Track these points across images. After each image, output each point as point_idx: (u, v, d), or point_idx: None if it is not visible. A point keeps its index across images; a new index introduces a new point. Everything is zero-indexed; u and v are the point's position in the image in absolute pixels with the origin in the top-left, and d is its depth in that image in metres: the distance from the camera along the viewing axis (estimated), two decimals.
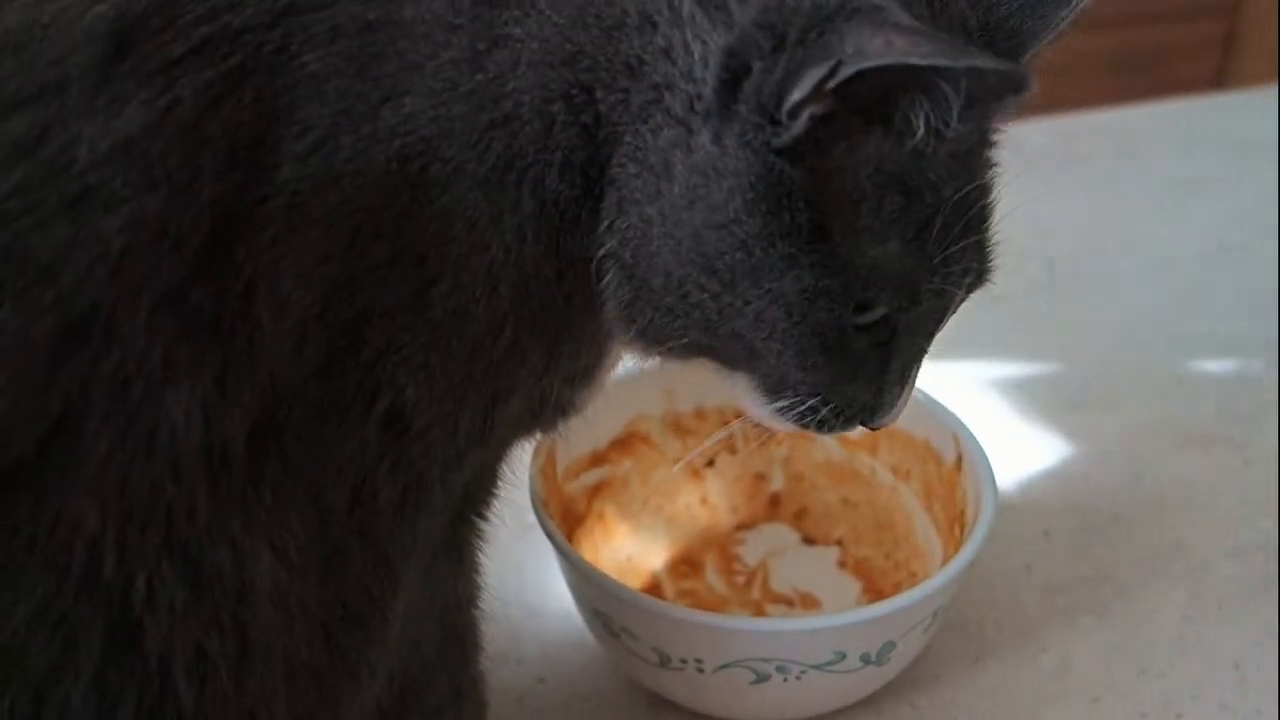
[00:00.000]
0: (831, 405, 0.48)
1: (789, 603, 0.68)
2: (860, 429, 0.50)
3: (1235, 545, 0.72)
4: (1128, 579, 0.70)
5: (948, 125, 0.41)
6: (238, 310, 0.39)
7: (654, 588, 0.68)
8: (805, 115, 0.41)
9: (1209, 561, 0.71)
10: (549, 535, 0.59)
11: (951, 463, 0.65)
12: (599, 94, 0.43)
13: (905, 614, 0.56)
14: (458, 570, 0.52)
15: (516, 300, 0.44)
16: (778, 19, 0.41)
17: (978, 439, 0.64)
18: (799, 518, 0.72)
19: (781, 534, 0.72)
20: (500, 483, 0.52)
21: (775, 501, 0.73)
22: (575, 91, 0.43)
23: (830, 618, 0.62)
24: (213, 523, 0.39)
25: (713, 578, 0.70)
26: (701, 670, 0.56)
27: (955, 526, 0.64)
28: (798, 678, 0.56)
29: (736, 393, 0.49)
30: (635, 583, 0.68)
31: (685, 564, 0.70)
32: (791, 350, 0.45)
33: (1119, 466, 0.79)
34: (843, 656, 0.55)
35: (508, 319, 0.44)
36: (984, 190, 0.47)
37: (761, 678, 0.56)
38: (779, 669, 0.55)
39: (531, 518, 0.60)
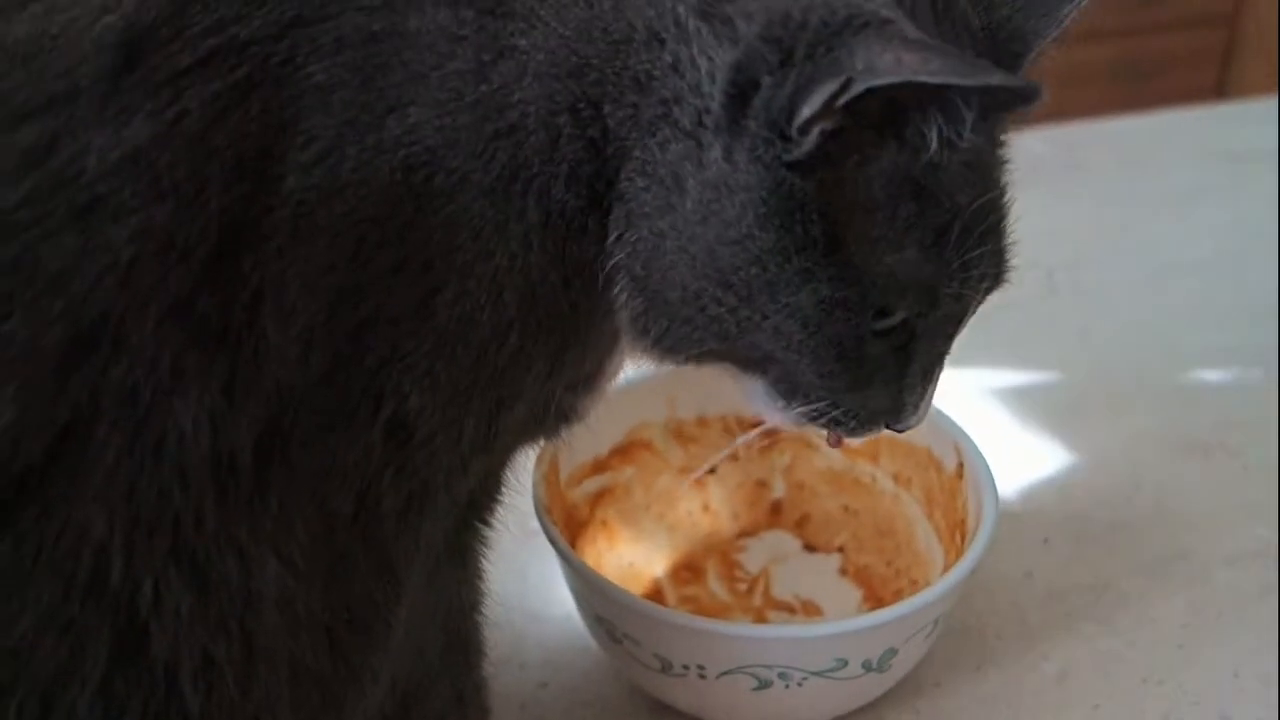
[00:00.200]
0: (849, 410, 0.48)
1: (790, 610, 0.69)
2: (884, 431, 0.51)
3: (1235, 553, 0.73)
4: (1128, 586, 0.70)
5: (960, 136, 0.41)
6: (244, 319, 0.39)
7: (656, 594, 0.69)
8: (816, 131, 0.41)
9: (1209, 569, 0.72)
10: (552, 542, 0.59)
11: (953, 470, 0.65)
12: (606, 108, 0.43)
13: (906, 621, 0.56)
14: (461, 576, 0.52)
15: (522, 307, 0.44)
16: (784, 33, 0.41)
17: (979, 447, 0.64)
18: (801, 525, 0.73)
19: (783, 541, 0.72)
20: (504, 489, 0.52)
21: (777, 509, 0.73)
22: (582, 105, 0.43)
23: (832, 625, 0.62)
24: (220, 530, 0.39)
25: (715, 584, 0.70)
26: (703, 676, 0.56)
27: (956, 534, 0.64)
28: (799, 684, 0.56)
29: (753, 395, 0.49)
30: (637, 589, 0.68)
31: (687, 570, 0.70)
32: (809, 359, 0.46)
33: (1119, 474, 0.79)
34: (844, 663, 0.56)
35: (513, 326, 0.44)
36: (1000, 195, 0.47)
37: (763, 684, 0.56)
38: (781, 675, 0.55)
39: (534, 524, 0.60)
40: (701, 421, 0.72)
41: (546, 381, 0.47)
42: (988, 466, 0.63)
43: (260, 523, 0.40)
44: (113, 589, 0.38)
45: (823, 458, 0.72)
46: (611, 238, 0.45)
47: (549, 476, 0.64)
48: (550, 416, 0.50)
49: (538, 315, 0.45)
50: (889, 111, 0.41)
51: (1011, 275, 0.49)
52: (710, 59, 0.43)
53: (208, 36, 0.39)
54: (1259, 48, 2.66)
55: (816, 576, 0.70)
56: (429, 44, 0.41)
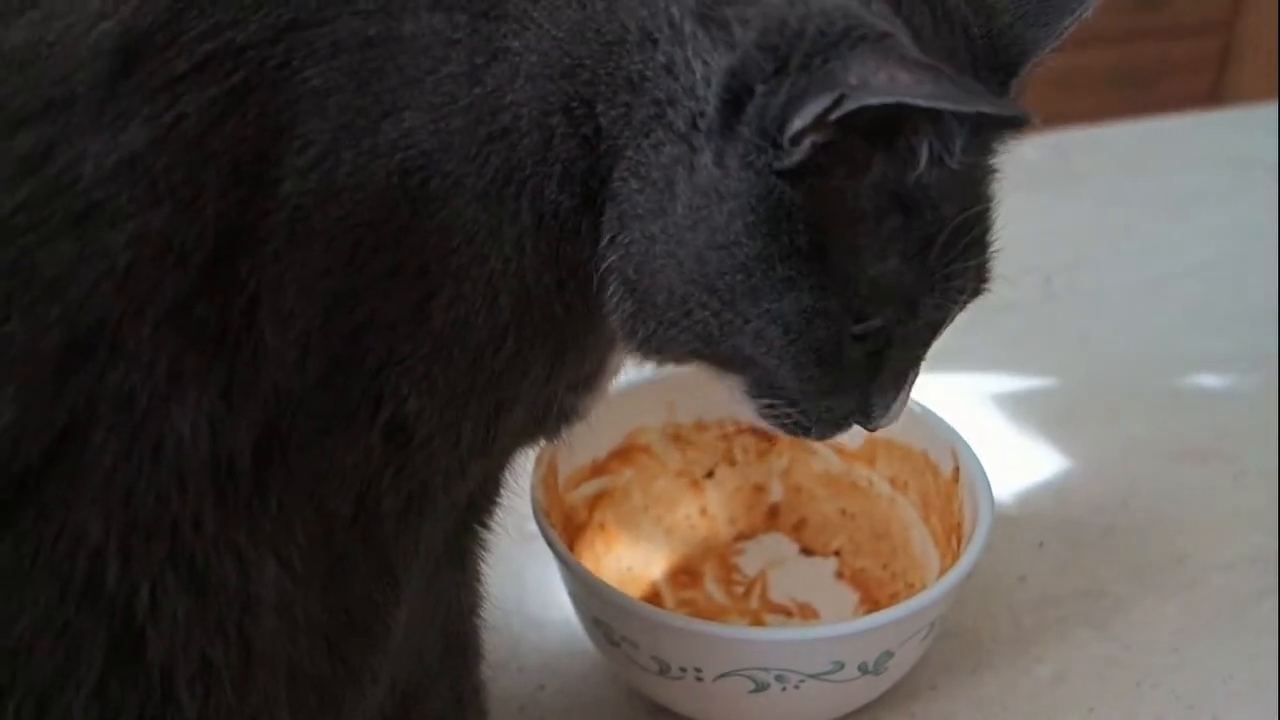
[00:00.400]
0: (815, 412, 0.49)
1: (787, 613, 0.69)
2: (849, 438, 0.51)
3: (1229, 559, 0.73)
4: (1122, 591, 0.71)
5: (951, 155, 0.42)
6: (242, 323, 0.39)
7: (654, 597, 0.69)
8: (807, 143, 0.41)
9: (1203, 574, 0.72)
10: (550, 544, 0.59)
11: (949, 475, 0.66)
12: (599, 107, 0.43)
13: (902, 624, 0.56)
14: (460, 579, 0.52)
15: (517, 310, 0.44)
16: (780, 41, 0.41)
17: (975, 451, 0.65)
18: (797, 528, 0.73)
19: (780, 544, 0.73)
20: (503, 491, 0.52)
21: (774, 512, 0.74)
22: (575, 104, 0.43)
23: (828, 628, 0.62)
24: (219, 533, 0.39)
25: (712, 587, 0.70)
26: (701, 679, 0.57)
27: (952, 538, 0.64)
28: (796, 687, 0.56)
29: (733, 395, 0.50)
30: (635, 592, 0.68)
31: (685, 574, 0.71)
32: (789, 364, 0.46)
33: (1114, 480, 0.79)
34: (841, 666, 0.56)
35: (509, 329, 0.44)
36: (986, 208, 0.47)
37: (760, 687, 0.56)
38: (778, 678, 0.56)
39: (532, 526, 0.60)
40: (699, 426, 0.73)
41: (546, 383, 0.47)
42: (983, 471, 0.63)
43: (259, 525, 0.40)
44: (109, 592, 0.38)
45: (820, 461, 0.72)
46: (605, 240, 0.45)
47: (547, 479, 0.64)
48: (550, 418, 0.50)
49: (533, 318, 0.45)
50: (880, 127, 0.41)
51: (992, 284, 0.49)
52: (706, 63, 0.43)
53: (204, 41, 0.39)
54: (1256, 54, 2.66)
55: (813, 580, 0.71)
56: (423, 48, 0.41)
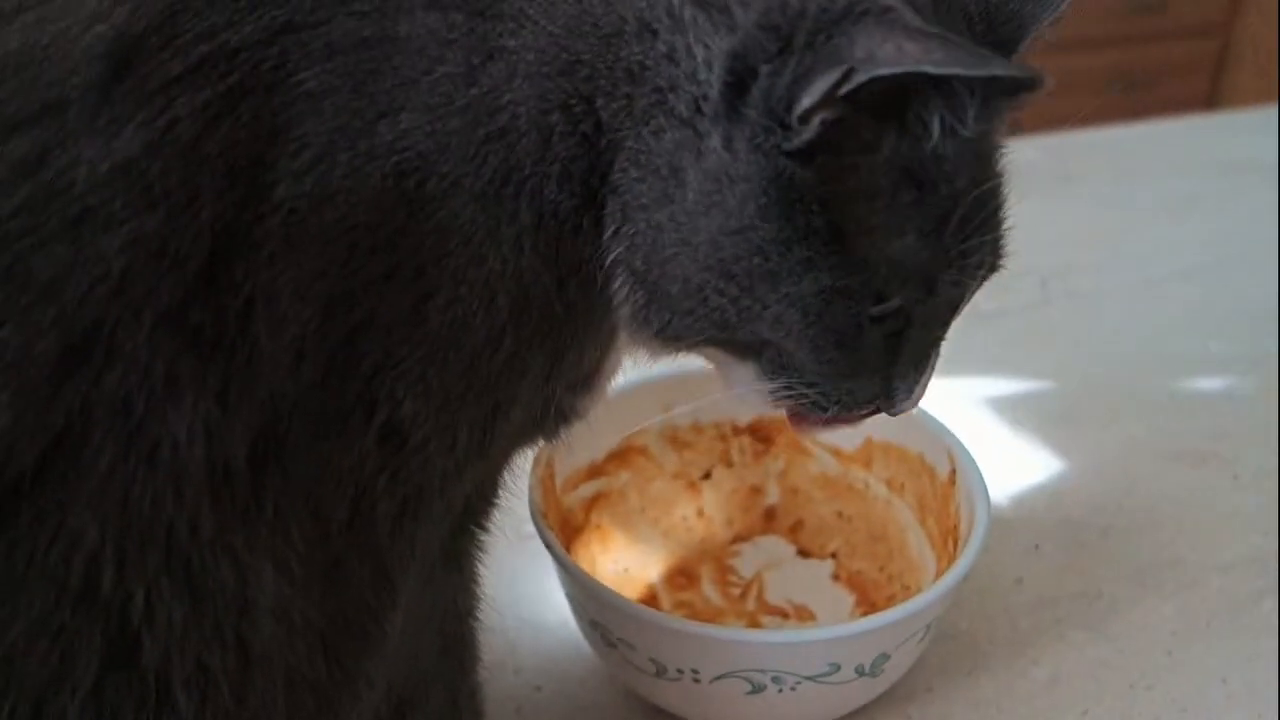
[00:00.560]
0: (837, 395, 0.48)
1: (784, 615, 0.69)
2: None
3: (1225, 561, 0.73)
4: (1119, 593, 0.71)
5: (963, 124, 0.41)
6: (237, 327, 0.39)
7: (651, 599, 0.69)
8: (816, 120, 0.41)
9: (1199, 576, 0.72)
10: (548, 546, 0.59)
11: (945, 477, 0.66)
12: (599, 102, 0.43)
13: (899, 627, 0.56)
14: (457, 581, 0.52)
15: (514, 311, 0.44)
16: (782, 20, 0.41)
17: (971, 454, 0.65)
18: (794, 531, 0.73)
19: (777, 547, 0.73)
20: (500, 492, 0.52)
21: (771, 514, 0.74)
22: (574, 101, 0.43)
23: (825, 630, 0.62)
24: (215, 538, 0.39)
25: (709, 589, 0.70)
26: (698, 681, 0.57)
27: (948, 540, 0.65)
28: (793, 688, 0.56)
29: (743, 381, 0.49)
30: (632, 594, 0.68)
31: (682, 575, 0.71)
32: (808, 346, 0.46)
33: (1110, 482, 0.80)
34: (837, 668, 0.56)
35: (506, 330, 0.44)
36: (998, 183, 0.47)
37: (757, 688, 0.56)
38: (774, 680, 0.56)
39: (530, 528, 0.60)
40: (696, 428, 0.73)
41: (545, 384, 0.47)
42: (980, 473, 0.63)
43: (255, 530, 0.40)
44: (104, 596, 0.38)
45: (817, 464, 0.73)
46: (608, 232, 0.44)
47: (545, 481, 0.64)
48: (549, 418, 0.50)
49: (531, 319, 0.44)
50: (891, 100, 0.41)
51: (1006, 262, 0.49)
52: (707, 47, 0.42)
53: (198, 44, 0.39)
54: (1252, 58, 2.67)
55: (810, 582, 0.71)
56: (419, 48, 0.41)
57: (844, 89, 0.39)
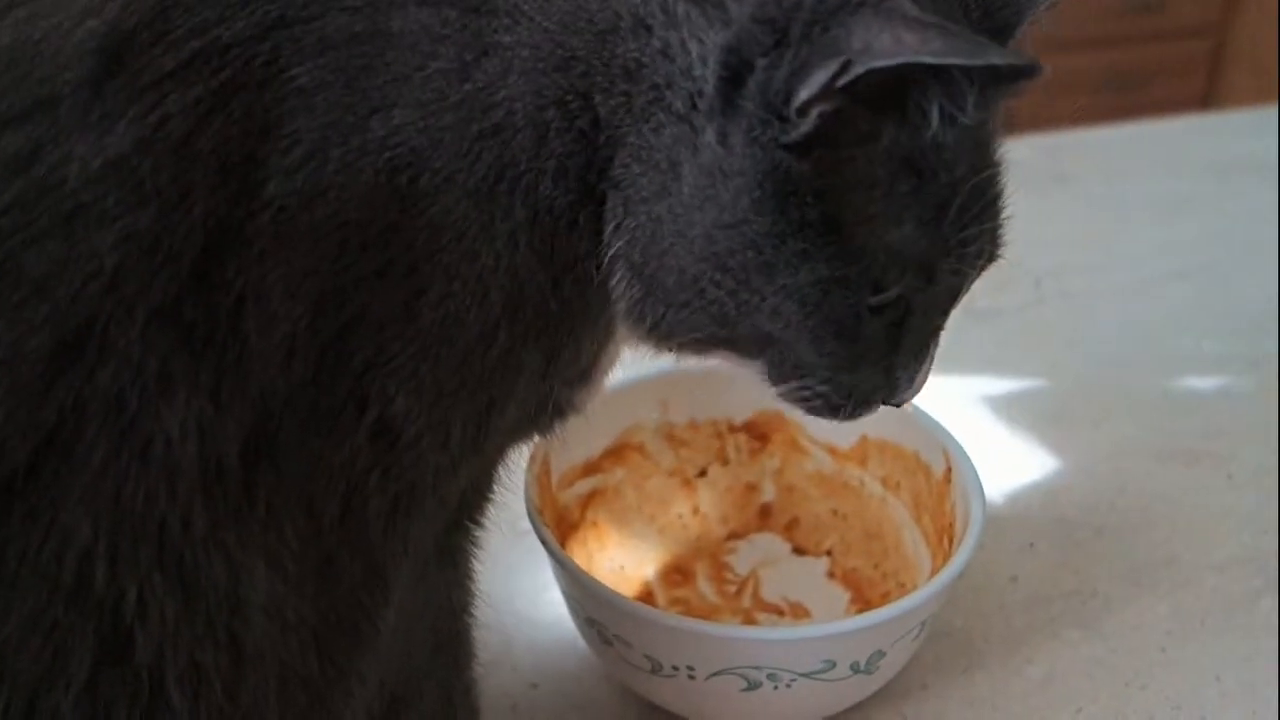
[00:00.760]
0: (843, 389, 0.48)
1: (779, 612, 0.69)
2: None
3: (1218, 559, 0.73)
4: (1112, 592, 0.71)
5: (963, 113, 0.41)
6: (229, 324, 0.39)
7: (646, 596, 0.69)
8: (814, 113, 0.41)
9: (1193, 575, 0.72)
10: (544, 543, 0.59)
11: (940, 475, 0.66)
12: (596, 98, 0.43)
13: (894, 624, 0.57)
14: (451, 578, 0.52)
15: (508, 307, 0.44)
16: (777, 13, 0.41)
17: (966, 452, 0.65)
18: (789, 528, 0.73)
19: (772, 544, 0.73)
20: (496, 488, 0.52)
21: (766, 512, 0.74)
22: (570, 97, 0.43)
23: (820, 627, 0.62)
24: (208, 535, 0.39)
25: (704, 587, 0.70)
26: (693, 678, 0.57)
27: (944, 538, 0.65)
28: (788, 685, 0.56)
29: (749, 377, 0.49)
30: (628, 591, 0.68)
31: (677, 573, 0.71)
32: (808, 339, 0.46)
33: (1104, 481, 0.80)
34: (832, 665, 0.56)
35: (500, 326, 0.44)
36: (996, 171, 0.47)
37: (752, 685, 0.56)
38: (769, 677, 0.56)
39: (525, 525, 0.60)
40: (693, 425, 0.73)
41: (542, 379, 0.47)
42: (975, 471, 0.63)
43: (248, 527, 0.40)
44: (97, 593, 0.38)
45: (812, 462, 0.73)
46: (609, 227, 0.44)
47: (541, 478, 0.64)
48: (545, 413, 0.49)
49: (526, 315, 0.44)
50: (889, 91, 0.41)
51: (1003, 257, 0.49)
52: (701, 42, 0.42)
53: (190, 39, 0.39)
54: (1248, 58, 2.67)
55: (805, 579, 0.71)
56: (412, 44, 0.41)
57: (841, 81, 0.39)
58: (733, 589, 0.70)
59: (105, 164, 0.37)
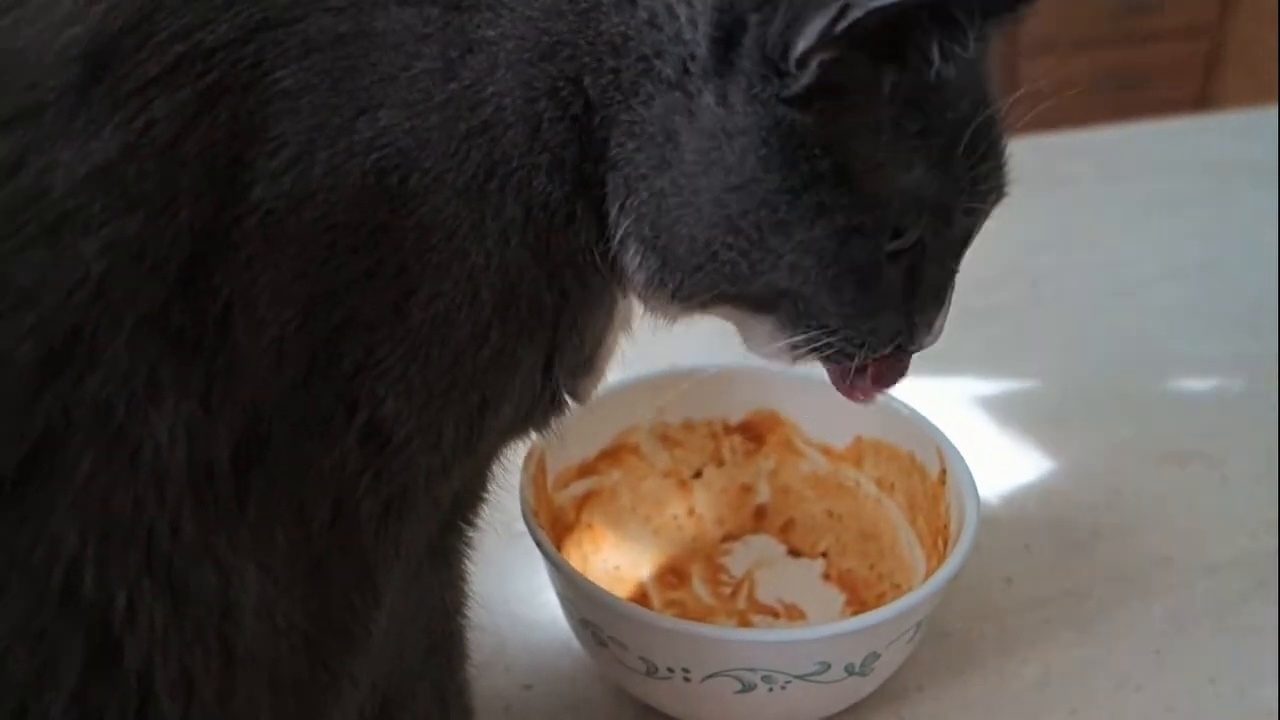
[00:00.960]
0: (861, 338, 0.48)
1: (774, 614, 0.69)
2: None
3: (1212, 561, 0.73)
4: (1107, 593, 0.71)
5: (964, 48, 0.41)
6: (218, 330, 0.39)
7: (641, 598, 0.69)
8: (814, 63, 0.40)
9: (1187, 577, 0.72)
10: (539, 545, 0.59)
11: (935, 477, 0.66)
12: (586, 80, 0.43)
13: (888, 626, 0.57)
14: (444, 579, 0.52)
15: (499, 305, 0.44)
16: None
17: (961, 454, 0.65)
18: (785, 529, 0.73)
19: (767, 545, 0.73)
20: (490, 487, 0.52)
21: (761, 513, 0.74)
22: (561, 84, 0.43)
23: (815, 629, 0.62)
24: (198, 540, 0.39)
25: (699, 588, 0.70)
26: (688, 680, 0.57)
27: (938, 540, 0.65)
28: (783, 687, 0.56)
29: (757, 339, 0.49)
30: (623, 592, 0.68)
31: (672, 574, 0.71)
32: (828, 289, 0.45)
33: (1099, 482, 0.80)
34: (827, 667, 0.56)
35: (491, 325, 0.44)
36: (997, 109, 0.47)
37: (747, 687, 0.56)
38: (764, 679, 0.56)
39: (521, 526, 0.60)
40: (688, 426, 0.73)
41: (543, 374, 0.47)
42: (970, 473, 0.63)
43: (239, 531, 0.40)
44: (85, 600, 0.38)
45: (807, 463, 0.73)
46: (614, 209, 0.44)
47: (536, 479, 0.64)
48: (540, 408, 0.49)
49: (519, 312, 0.44)
50: (888, 33, 0.40)
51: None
52: (690, 5, 0.42)
53: (174, 44, 0.38)
54: (1243, 59, 2.68)
55: (800, 581, 0.71)
56: (396, 44, 0.41)
57: (840, 26, 0.39)
58: (728, 590, 0.70)
59: (91, 171, 0.37)
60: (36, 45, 0.38)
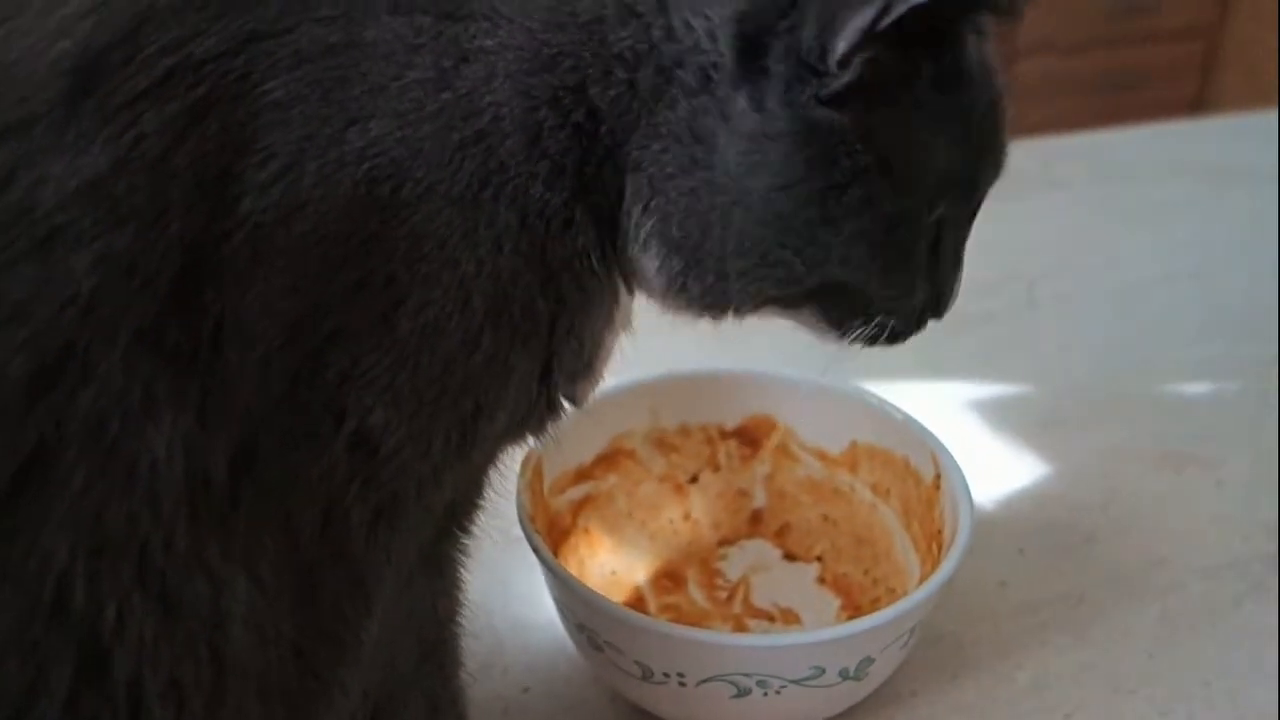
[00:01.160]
0: (900, 316, 0.50)
1: (770, 618, 0.69)
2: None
3: (1207, 565, 0.74)
4: (1101, 597, 0.71)
5: (985, 28, 0.42)
6: (211, 344, 0.39)
7: (637, 602, 0.69)
8: (856, 61, 0.41)
9: (1181, 580, 0.73)
10: (535, 550, 0.59)
11: (930, 482, 0.66)
12: (592, 90, 0.43)
13: (883, 630, 0.57)
14: (437, 587, 0.52)
15: (491, 313, 0.43)
16: None
17: (955, 459, 0.65)
18: (780, 534, 0.74)
19: (763, 550, 0.73)
20: (486, 494, 0.52)
21: (757, 518, 0.74)
22: (562, 93, 0.43)
23: (809, 634, 0.62)
24: (190, 551, 0.39)
25: (695, 593, 0.70)
26: (684, 684, 0.57)
27: (933, 544, 0.65)
28: (778, 692, 0.57)
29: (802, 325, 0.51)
30: (619, 597, 0.68)
31: (668, 579, 0.71)
32: (877, 276, 0.47)
33: (1093, 486, 0.80)
34: (821, 671, 0.56)
35: (483, 332, 0.43)
36: (1001, 92, 0.48)
37: (742, 692, 0.56)
38: (759, 684, 0.56)
39: (517, 531, 0.61)
40: (684, 431, 0.73)
41: (540, 380, 0.47)
42: (964, 478, 0.64)
43: (231, 541, 0.40)
44: (75, 612, 0.38)
45: (803, 468, 0.73)
46: (636, 209, 0.45)
47: (533, 485, 0.65)
48: (536, 414, 0.49)
49: (511, 319, 0.44)
50: (928, 24, 0.41)
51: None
52: (706, 18, 0.43)
53: (163, 57, 0.38)
54: (1239, 61, 2.68)
55: (796, 585, 0.71)
56: (387, 54, 0.41)
57: (883, 23, 0.40)
58: (724, 595, 0.71)
59: (81, 185, 0.37)
60: (28, 58, 0.38)
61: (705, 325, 0.51)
